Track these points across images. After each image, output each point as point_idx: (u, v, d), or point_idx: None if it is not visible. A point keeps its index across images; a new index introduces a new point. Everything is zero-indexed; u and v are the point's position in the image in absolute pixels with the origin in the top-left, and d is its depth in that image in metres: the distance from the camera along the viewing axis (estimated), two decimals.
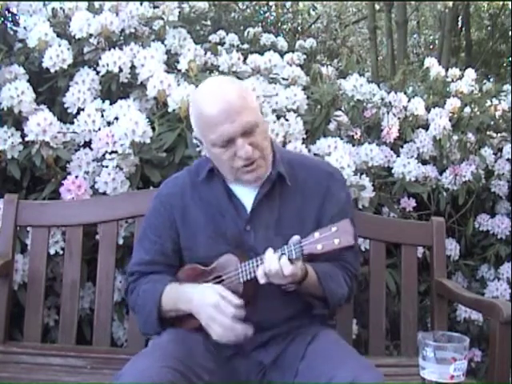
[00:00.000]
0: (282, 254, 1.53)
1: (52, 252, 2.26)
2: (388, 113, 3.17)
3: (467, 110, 3.39)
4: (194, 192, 1.75)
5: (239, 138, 1.59)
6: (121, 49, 2.72)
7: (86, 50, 2.84)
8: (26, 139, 2.38)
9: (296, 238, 1.55)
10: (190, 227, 1.73)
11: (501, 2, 8.60)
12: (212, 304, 1.57)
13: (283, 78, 3.18)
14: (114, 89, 2.68)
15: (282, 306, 1.68)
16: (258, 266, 1.58)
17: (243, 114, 1.59)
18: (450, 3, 6.76)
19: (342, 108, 3.05)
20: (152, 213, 1.80)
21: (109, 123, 2.46)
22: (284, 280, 1.54)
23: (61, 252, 2.25)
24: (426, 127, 3.28)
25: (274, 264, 1.51)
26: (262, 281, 1.55)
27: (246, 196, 1.72)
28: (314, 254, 1.54)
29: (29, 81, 2.57)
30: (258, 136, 1.63)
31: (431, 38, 11.56)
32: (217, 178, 1.73)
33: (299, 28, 7.73)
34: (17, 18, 3.00)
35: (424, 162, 3.11)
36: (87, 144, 2.47)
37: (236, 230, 1.70)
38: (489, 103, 3.51)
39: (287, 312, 1.70)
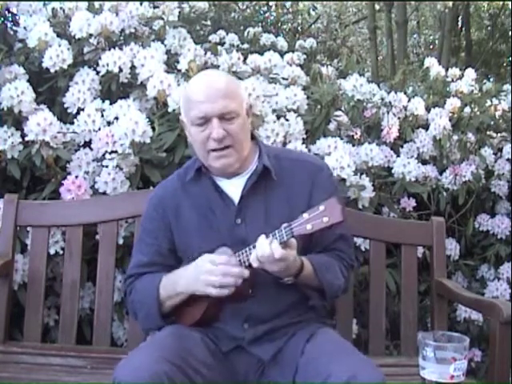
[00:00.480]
0: (274, 238, 1.55)
1: (52, 252, 2.26)
2: (388, 113, 3.17)
3: (467, 109, 3.39)
4: (185, 192, 1.78)
5: (215, 119, 1.66)
6: (121, 49, 2.72)
7: (86, 50, 2.84)
8: (26, 139, 2.38)
9: (286, 224, 1.57)
10: (184, 227, 1.76)
11: (501, 2, 8.60)
12: (205, 261, 1.61)
13: (283, 78, 3.18)
14: (114, 89, 2.68)
15: (279, 296, 1.69)
16: (251, 253, 1.59)
17: (225, 99, 1.66)
18: (450, 3, 6.77)
19: (342, 108, 3.05)
20: (146, 218, 1.84)
21: (109, 123, 2.46)
22: (276, 265, 1.55)
23: (61, 252, 2.25)
24: (426, 127, 3.28)
25: (266, 248, 1.53)
26: (254, 264, 1.56)
27: (234, 190, 1.75)
28: (304, 234, 1.55)
29: (29, 81, 2.56)
30: (235, 126, 1.68)
31: (431, 37, 11.56)
32: (204, 176, 1.77)
33: (299, 28, 7.73)
34: (17, 18, 3.00)
35: (424, 162, 3.10)
36: (87, 144, 2.47)
37: (228, 225, 1.72)
38: (489, 103, 3.51)
39: (284, 303, 1.71)
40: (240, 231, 1.71)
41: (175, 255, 1.78)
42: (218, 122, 1.66)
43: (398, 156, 3.00)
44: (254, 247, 1.57)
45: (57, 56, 2.61)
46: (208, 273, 1.59)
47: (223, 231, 1.72)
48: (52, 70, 2.64)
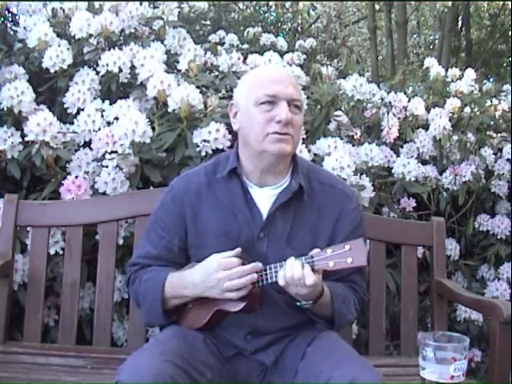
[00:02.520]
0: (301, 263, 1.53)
1: (52, 252, 2.25)
2: (388, 113, 3.17)
3: (467, 110, 3.39)
4: (210, 191, 1.72)
5: (285, 102, 1.62)
6: (120, 49, 2.72)
7: (85, 50, 2.84)
8: (26, 139, 2.37)
9: (315, 251, 1.55)
10: (200, 226, 1.71)
11: (501, 2, 8.60)
12: (215, 269, 1.58)
13: None
14: (113, 89, 2.68)
15: (285, 315, 1.68)
16: (276, 271, 1.57)
17: (295, 89, 1.67)
18: (450, 3, 6.76)
19: (342, 108, 3.05)
20: (162, 207, 1.77)
21: (109, 123, 2.46)
22: (305, 289, 1.52)
23: (61, 252, 2.25)
24: (426, 127, 3.28)
25: (297, 271, 1.51)
26: (281, 282, 1.54)
27: (263, 201, 1.70)
28: (324, 270, 1.53)
29: (29, 81, 2.56)
30: (298, 118, 1.66)
31: (431, 37, 11.54)
32: (236, 179, 1.71)
33: (299, 28, 7.72)
34: (17, 17, 3.00)
35: (424, 162, 3.11)
36: (87, 144, 2.47)
37: (249, 235, 1.68)
38: (489, 103, 3.51)
39: (290, 322, 1.70)
40: (260, 245, 1.67)
41: (185, 253, 1.74)
42: (287, 106, 1.62)
43: (398, 156, 3.00)
44: (275, 268, 1.56)
45: (57, 56, 2.61)
46: (224, 280, 1.57)
47: (242, 241, 1.66)
48: (52, 70, 2.63)
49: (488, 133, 3.40)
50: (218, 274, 1.58)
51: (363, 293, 1.80)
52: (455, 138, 3.20)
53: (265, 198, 1.70)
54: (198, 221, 1.71)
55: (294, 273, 1.51)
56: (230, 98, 2.06)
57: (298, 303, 1.60)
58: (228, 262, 1.58)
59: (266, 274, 1.59)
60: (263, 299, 1.63)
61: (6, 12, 2.94)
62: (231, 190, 1.71)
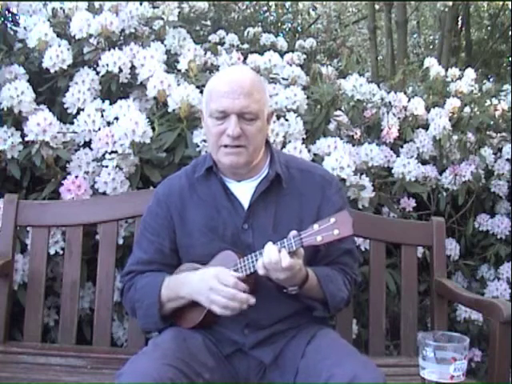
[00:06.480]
0: (282, 246, 1.55)
1: (52, 252, 2.26)
2: (388, 113, 3.17)
3: (467, 109, 3.39)
4: (192, 191, 1.76)
5: (234, 116, 1.63)
6: (121, 49, 2.72)
7: (85, 50, 2.84)
8: (26, 139, 2.38)
9: (294, 232, 1.57)
10: (187, 226, 1.74)
11: (501, 2, 8.60)
12: (212, 275, 1.59)
13: (283, 78, 3.18)
14: (113, 89, 2.68)
15: (281, 304, 1.69)
16: (257, 260, 1.59)
17: (248, 99, 1.64)
18: (450, 3, 6.76)
19: (342, 108, 3.05)
20: (149, 214, 1.81)
21: (109, 123, 2.46)
22: (282, 273, 1.54)
23: (61, 252, 2.26)
24: (426, 127, 3.28)
25: (274, 255, 1.52)
26: (260, 271, 1.56)
27: (243, 194, 1.73)
28: (313, 245, 1.55)
29: (29, 81, 2.57)
30: (252, 127, 1.66)
31: (431, 37, 11.55)
32: (214, 176, 1.75)
33: (299, 28, 7.72)
34: (17, 17, 3.00)
35: (424, 162, 3.11)
36: (87, 144, 2.47)
37: (234, 228, 1.70)
38: (489, 103, 3.51)
39: (286, 311, 1.71)
40: (246, 237, 1.70)
41: (176, 254, 1.77)
42: (237, 119, 1.64)
43: (398, 156, 3.00)
44: (261, 254, 1.57)
45: (57, 56, 2.61)
46: (215, 292, 1.57)
47: (228, 235, 1.70)
48: (52, 70, 2.64)
49: (488, 133, 3.40)
50: (212, 281, 1.58)
51: (355, 274, 1.81)
52: (455, 137, 3.20)
53: (244, 191, 1.73)
54: (184, 221, 1.75)
55: (270, 257, 1.52)
56: None
57: (285, 290, 1.61)
58: (226, 276, 1.58)
59: (247, 264, 1.60)
60: (257, 290, 1.63)
61: (6, 12, 2.94)
62: (211, 187, 1.75)
